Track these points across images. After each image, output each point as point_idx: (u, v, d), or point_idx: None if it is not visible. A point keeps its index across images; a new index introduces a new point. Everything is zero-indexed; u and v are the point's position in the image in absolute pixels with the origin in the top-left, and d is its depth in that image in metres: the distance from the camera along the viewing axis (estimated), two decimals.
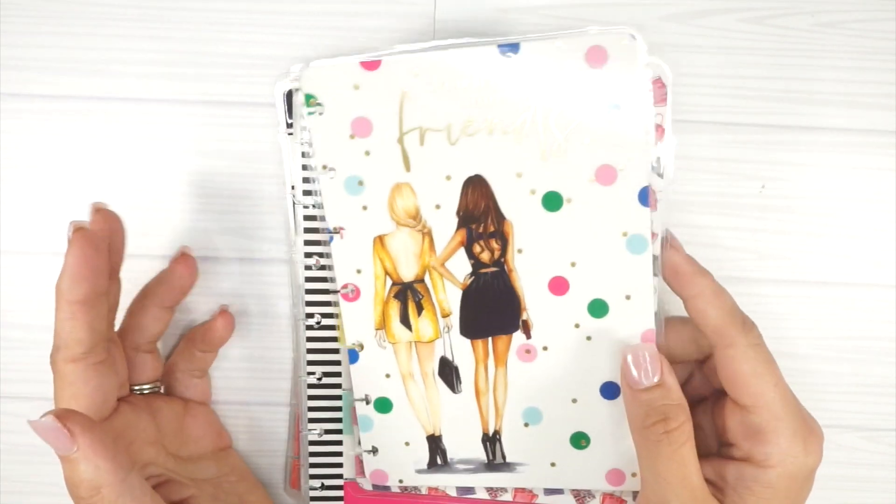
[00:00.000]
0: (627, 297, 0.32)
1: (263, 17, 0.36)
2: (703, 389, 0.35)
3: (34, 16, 0.36)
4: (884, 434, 0.38)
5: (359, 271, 0.33)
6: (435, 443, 0.35)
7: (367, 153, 0.32)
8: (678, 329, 0.33)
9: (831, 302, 0.37)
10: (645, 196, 0.31)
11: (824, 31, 0.36)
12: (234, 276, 0.37)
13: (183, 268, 0.35)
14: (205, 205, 0.37)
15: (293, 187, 0.34)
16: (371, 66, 0.31)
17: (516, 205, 0.32)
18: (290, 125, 0.33)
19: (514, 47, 0.30)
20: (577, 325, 0.33)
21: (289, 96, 0.34)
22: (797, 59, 0.36)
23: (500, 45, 0.30)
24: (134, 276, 0.37)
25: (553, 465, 0.35)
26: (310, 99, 0.31)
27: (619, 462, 0.34)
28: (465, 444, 0.35)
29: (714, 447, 0.33)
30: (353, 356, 0.34)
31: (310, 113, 0.32)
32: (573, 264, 0.32)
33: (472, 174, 0.32)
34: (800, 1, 0.36)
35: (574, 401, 0.34)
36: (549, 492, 0.36)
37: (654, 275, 0.32)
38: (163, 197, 0.37)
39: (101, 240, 0.30)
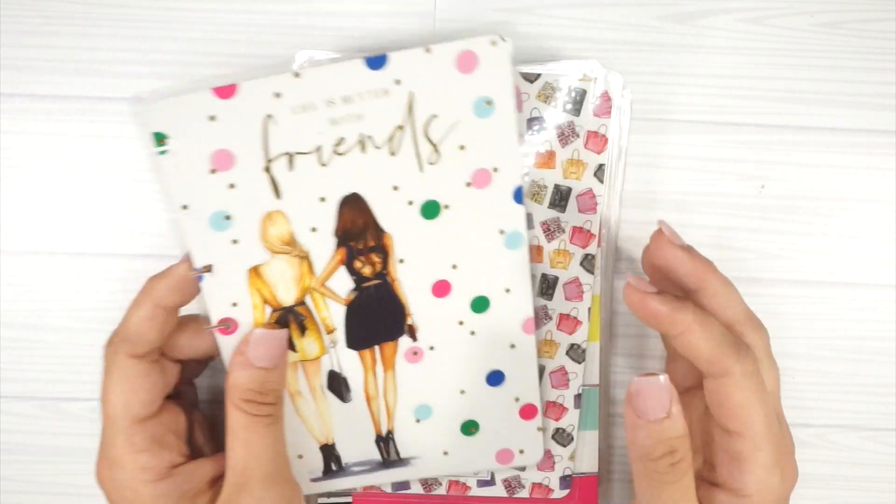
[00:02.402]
0: (507, 291, 0.33)
1: (263, 17, 0.36)
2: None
3: (34, 16, 0.36)
4: (884, 434, 0.38)
5: (235, 304, 0.32)
6: (328, 451, 0.35)
7: (232, 186, 0.31)
8: (676, 359, 0.33)
9: (831, 302, 0.37)
10: (519, 194, 0.32)
11: (824, 31, 0.36)
12: None
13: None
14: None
15: (185, 206, 0.31)
16: (226, 92, 0.30)
17: (395, 218, 0.32)
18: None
19: (381, 60, 0.30)
20: (461, 323, 0.33)
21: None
22: (797, 59, 0.36)
23: (366, 59, 0.30)
24: (135, 275, 0.37)
25: (445, 453, 0.35)
26: (159, 138, 0.29)
27: (506, 442, 0.35)
28: (358, 448, 0.35)
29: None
30: None
31: (161, 153, 0.30)
32: (454, 266, 0.33)
33: (348, 193, 0.31)
34: (800, 1, 0.36)
35: (462, 392, 0.34)
36: (482, 483, 0.36)
37: (530, 261, 0.33)
38: (162, 197, 0.37)
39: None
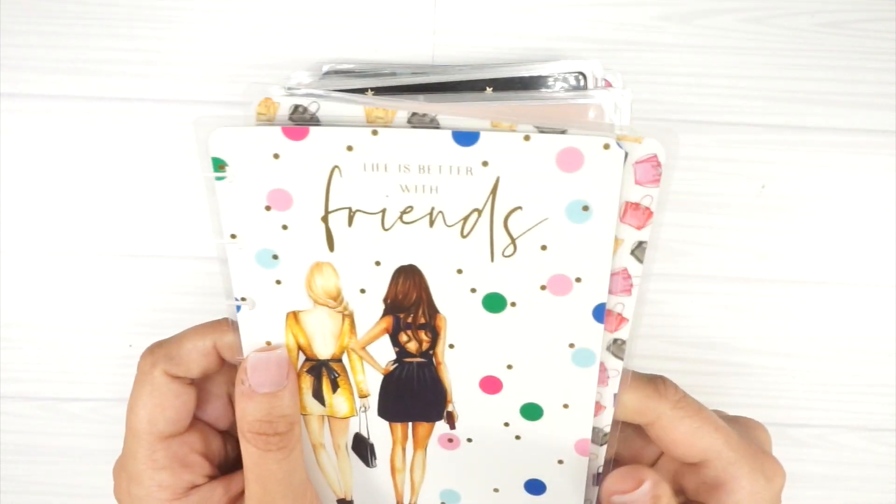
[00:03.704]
0: (566, 406, 0.31)
1: (263, 17, 0.36)
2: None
3: (34, 16, 0.36)
4: (884, 434, 0.38)
5: (268, 343, 0.31)
6: None
7: (285, 227, 0.29)
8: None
9: (831, 302, 0.37)
10: (600, 312, 0.29)
11: (824, 31, 0.36)
12: None
13: None
14: (204, 204, 0.37)
15: (234, 235, 0.29)
16: (296, 134, 0.27)
17: (453, 301, 0.29)
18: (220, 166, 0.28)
19: (472, 137, 0.27)
20: (506, 424, 0.31)
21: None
22: (797, 59, 0.36)
23: (454, 133, 0.27)
24: (135, 275, 0.37)
25: None
26: (218, 163, 0.28)
27: None
28: None
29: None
30: None
31: (218, 178, 0.28)
32: (510, 367, 0.30)
33: (406, 263, 0.29)
34: (800, 1, 0.36)
35: (496, 490, 0.33)
36: None
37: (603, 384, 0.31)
38: (162, 197, 0.37)
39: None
